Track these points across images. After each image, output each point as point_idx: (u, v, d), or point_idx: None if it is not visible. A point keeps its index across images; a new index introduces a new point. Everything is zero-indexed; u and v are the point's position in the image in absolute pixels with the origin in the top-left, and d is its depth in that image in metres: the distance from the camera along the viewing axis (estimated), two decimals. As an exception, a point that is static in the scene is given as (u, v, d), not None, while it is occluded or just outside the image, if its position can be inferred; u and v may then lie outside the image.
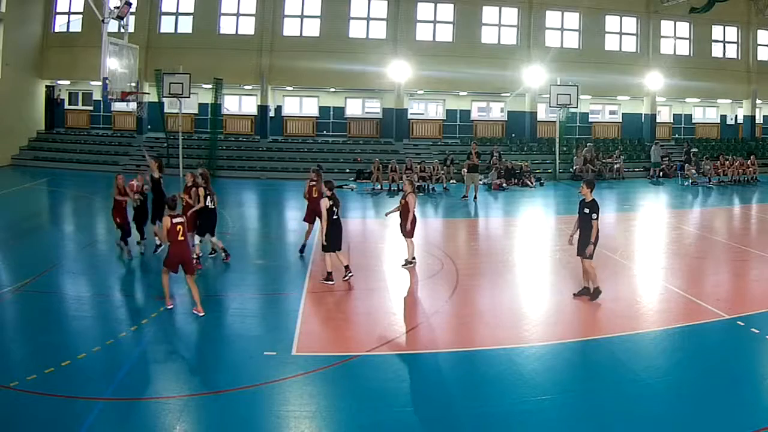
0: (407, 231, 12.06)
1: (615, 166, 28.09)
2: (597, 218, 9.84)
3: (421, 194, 22.64)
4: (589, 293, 10.18)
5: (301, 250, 13.04)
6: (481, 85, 30.04)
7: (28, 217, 17.68)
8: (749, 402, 6.82)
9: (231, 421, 6.41)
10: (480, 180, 23.32)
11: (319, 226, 11.57)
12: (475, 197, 21.73)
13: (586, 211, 9.93)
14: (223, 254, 12.36)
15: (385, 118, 30.73)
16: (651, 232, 17.26)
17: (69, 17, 28.83)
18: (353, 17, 29.35)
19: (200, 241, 12.05)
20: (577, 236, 10.19)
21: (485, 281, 11.83)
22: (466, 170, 22.73)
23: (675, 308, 10.09)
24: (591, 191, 10.02)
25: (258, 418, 6.54)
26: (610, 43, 31.26)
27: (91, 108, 30.79)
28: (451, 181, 25.62)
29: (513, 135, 31.53)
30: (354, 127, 31.43)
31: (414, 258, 12.24)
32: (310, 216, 13.06)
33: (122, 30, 18.82)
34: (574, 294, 10.32)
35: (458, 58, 28.83)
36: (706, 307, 9.92)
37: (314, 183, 13.60)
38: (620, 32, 31.38)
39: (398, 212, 12.26)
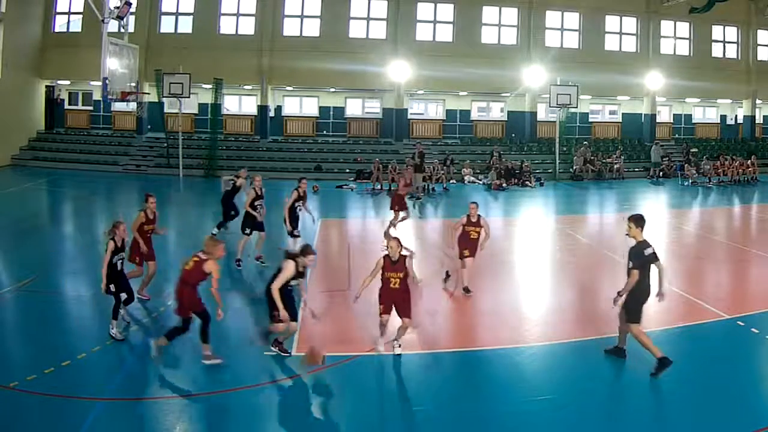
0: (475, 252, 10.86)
1: (615, 166, 28.09)
2: (633, 267, 7.39)
3: (421, 195, 22.62)
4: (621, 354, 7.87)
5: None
6: (481, 85, 30.02)
7: (28, 217, 17.65)
8: (749, 402, 6.82)
9: (231, 421, 6.41)
10: (424, 182, 23.01)
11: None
12: (419, 197, 21.53)
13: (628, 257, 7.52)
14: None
15: (385, 118, 30.71)
16: (651, 232, 17.21)
17: (69, 17, 28.81)
18: (353, 17, 29.34)
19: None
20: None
21: (485, 281, 11.82)
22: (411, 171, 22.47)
23: (675, 308, 10.08)
24: (642, 230, 7.56)
25: (258, 418, 6.54)
26: (610, 43, 31.25)
27: (91, 108, 30.75)
28: (451, 181, 25.64)
29: (513, 135, 31.53)
30: (354, 127, 31.41)
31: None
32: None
33: (122, 30, 18.83)
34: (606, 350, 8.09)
35: (458, 58, 28.81)
36: (706, 307, 9.92)
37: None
38: (620, 32, 31.37)
39: (456, 235, 10.70)
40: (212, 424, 6.43)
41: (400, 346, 7.96)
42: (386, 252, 7.79)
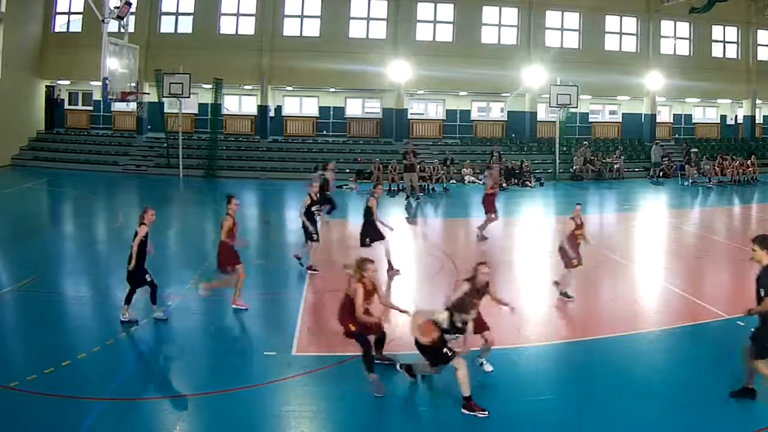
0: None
1: (615, 166, 28.08)
2: (766, 294, 6.44)
3: (421, 194, 22.62)
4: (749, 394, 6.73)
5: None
6: (481, 85, 30.00)
7: (28, 217, 17.66)
8: (749, 402, 6.80)
9: (231, 421, 6.41)
10: (422, 182, 23.04)
11: None
12: (418, 197, 21.58)
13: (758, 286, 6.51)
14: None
15: (385, 118, 30.70)
16: (651, 232, 17.25)
17: (69, 17, 28.80)
18: (353, 17, 29.32)
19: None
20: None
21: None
22: (402, 171, 22.44)
23: (675, 308, 10.09)
24: None
25: (258, 418, 6.54)
26: (610, 43, 31.22)
27: (91, 108, 30.74)
28: (451, 181, 25.64)
29: (513, 135, 31.52)
30: (354, 127, 31.41)
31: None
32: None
33: (122, 30, 18.82)
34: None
35: (458, 58, 28.77)
36: (706, 307, 9.92)
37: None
38: (620, 32, 31.33)
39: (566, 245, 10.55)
40: (212, 424, 6.43)
41: (490, 365, 7.51)
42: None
